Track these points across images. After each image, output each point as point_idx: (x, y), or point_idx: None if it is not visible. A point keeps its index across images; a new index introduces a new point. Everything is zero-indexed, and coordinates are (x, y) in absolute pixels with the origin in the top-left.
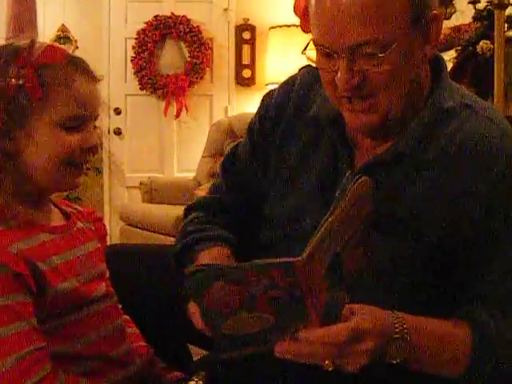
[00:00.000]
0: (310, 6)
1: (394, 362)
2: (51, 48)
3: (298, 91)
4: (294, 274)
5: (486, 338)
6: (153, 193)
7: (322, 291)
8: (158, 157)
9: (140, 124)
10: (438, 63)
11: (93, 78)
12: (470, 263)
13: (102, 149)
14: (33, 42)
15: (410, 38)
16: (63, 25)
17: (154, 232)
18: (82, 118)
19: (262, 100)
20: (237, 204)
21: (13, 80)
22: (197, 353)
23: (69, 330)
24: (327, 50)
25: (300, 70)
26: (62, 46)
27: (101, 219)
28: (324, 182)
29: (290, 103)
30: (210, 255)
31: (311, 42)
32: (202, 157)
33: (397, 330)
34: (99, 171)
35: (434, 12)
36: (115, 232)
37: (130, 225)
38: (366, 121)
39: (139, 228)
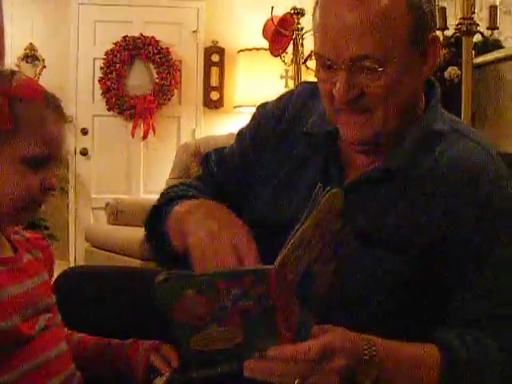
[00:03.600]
0: (314, 18)
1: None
2: (30, 82)
3: (294, 106)
4: (266, 281)
5: (455, 364)
6: (118, 214)
7: (293, 305)
8: (125, 178)
9: (107, 145)
10: (432, 86)
11: (63, 118)
12: (450, 283)
13: (68, 169)
14: (13, 73)
15: (408, 56)
16: (31, 43)
17: (120, 254)
18: (47, 158)
19: (257, 109)
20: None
21: None
22: None
23: (4, 362)
24: (328, 62)
25: (297, 86)
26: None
27: (48, 246)
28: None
29: (285, 117)
30: (188, 203)
31: (312, 54)
32: (169, 178)
33: (366, 351)
34: (65, 191)
35: (434, 34)
36: (80, 253)
37: (95, 246)
38: (360, 134)
39: (104, 250)
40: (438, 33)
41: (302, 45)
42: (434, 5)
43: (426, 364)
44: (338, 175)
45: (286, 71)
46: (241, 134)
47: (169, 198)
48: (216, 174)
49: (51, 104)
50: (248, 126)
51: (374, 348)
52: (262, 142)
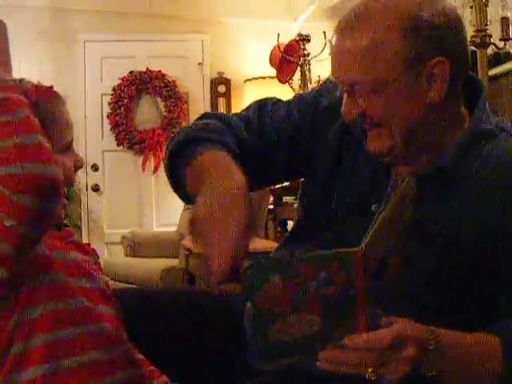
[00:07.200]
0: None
1: (430, 374)
2: (38, 86)
3: None
4: (352, 265)
5: None
6: (136, 246)
7: (370, 294)
8: (137, 212)
9: (118, 180)
10: (479, 89)
11: (66, 104)
12: (502, 277)
13: (80, 205)
14: (21, 81)
15: (404, 80)
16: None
17: (140, 284)
18: (71, 142)
19: (329, 82)
20: (254, 146)
21: None
22: None
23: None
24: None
25: None
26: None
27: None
28: (363, 195)
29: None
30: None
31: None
32: (184, 209)
33: (431, 341)
34: (78, 228)
35: (438, 58)
36: None
37: (113, 279)
38: (376, 147)
39: (123, 282)
40: None
41: (309, 70)
42: (445, 28)
43: (488, 354)
44: (387, 173)
45: None
46: (306, 100)
47: (197, 137)
48: (266, 129)
49: (58, 97)
50: (316, 97)
51: (438, 338)
52: (320, 124)
